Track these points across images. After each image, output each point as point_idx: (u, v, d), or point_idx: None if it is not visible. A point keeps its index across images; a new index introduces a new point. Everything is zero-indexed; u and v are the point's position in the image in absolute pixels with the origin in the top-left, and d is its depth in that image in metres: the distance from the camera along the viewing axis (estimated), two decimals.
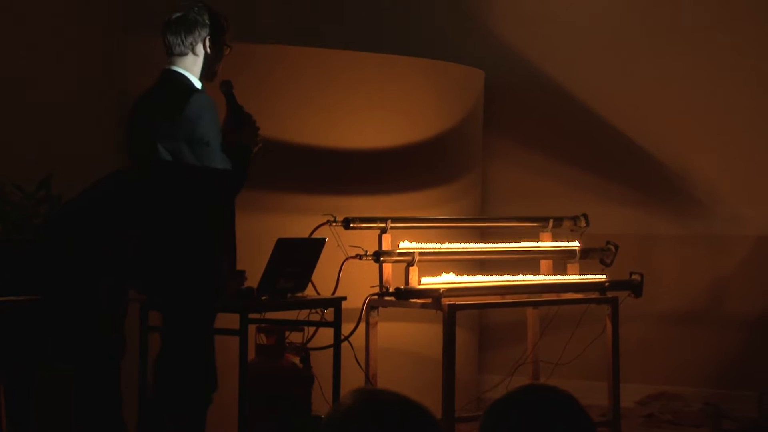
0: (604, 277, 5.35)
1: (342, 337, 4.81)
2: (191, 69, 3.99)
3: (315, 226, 4.93)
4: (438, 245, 5.08)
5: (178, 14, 3.98)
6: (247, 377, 4.45)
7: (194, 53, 3.98)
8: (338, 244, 4.82)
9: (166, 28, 3.99)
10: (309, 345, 4.94)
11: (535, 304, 5.42)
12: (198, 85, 3.99)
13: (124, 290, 4.62)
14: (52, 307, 4.43)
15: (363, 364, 4.97)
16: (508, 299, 5.21)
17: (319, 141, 5.81)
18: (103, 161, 5.17)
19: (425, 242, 5.03)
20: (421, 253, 4.90)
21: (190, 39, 3.96)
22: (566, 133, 6.91)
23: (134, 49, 5.54)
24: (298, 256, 4.62)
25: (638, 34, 6.76)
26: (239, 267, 4.64)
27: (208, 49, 3.97)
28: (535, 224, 5.55)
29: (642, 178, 6.72)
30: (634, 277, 5.36)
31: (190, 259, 3.94)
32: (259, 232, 5.28)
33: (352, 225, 4.87)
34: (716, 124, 6.58)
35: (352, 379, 4.88)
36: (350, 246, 4.86)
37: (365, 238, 4.96)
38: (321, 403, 4.84)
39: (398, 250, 4.90)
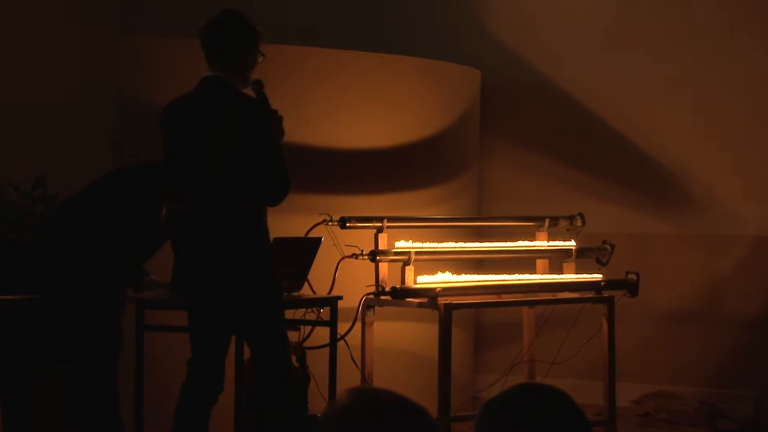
0: (600, 276, 5.36)
1: (338, 337, 4.81)
2: (229, 75, 4.08)
3: (311, 225, 4.93)
4: (434, 244, 5.09)
5: (214, 22, 4.10)
6: (243, 376, 4.45)
7: (230, 60, 4.07)
8: (334, 243, 4.83)
9: (204, 36, 4.10)
10: (305, 344, 4.94)
11: (531, 304, 5.42)
12: (238, 90, 4.09)
13: (122, 289, 4.63)
14: (50, 306, 4.44)
15: (359, 364, 4.97)
16: (504, 298, 5.21)
17: (316, 140, 5.81)
18: (99, 161, 5.17)
19: (421, 241, 5.03)
20: (417, 253, 4.90)
21: (226, 46, 4.06)
22: (563, 133, 6.91)
23: (132, 49, 5.54)
24: (295, 256, 4.63)
25: (635, 34, 6.76)
26: None
27: (244, 57, 4.08)
28: (531, 223, 5.55)
29: (638, 177, 6.72)
30: (630, 276, 5.36)
31: (262, 263, 4.03)
32: None
33: (348, 224, 4.88)
34: (713, 124, 6.58)
35: (348, 378, 4.88)
36: (346, 245, 4.86)
37: (361, 238, 4.96)
38: (317, 403, 4.84)
39: (394, 250, 4.90)
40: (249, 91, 4.15)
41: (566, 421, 1.91)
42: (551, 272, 5.40)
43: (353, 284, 4.99)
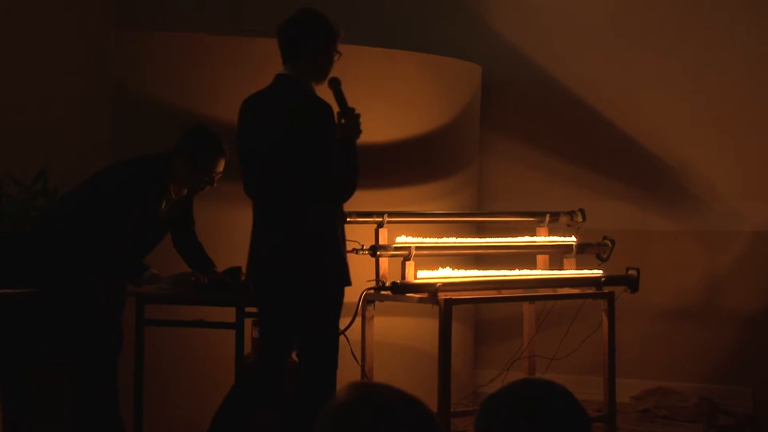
0: (601, 272, 5.36)
1: (338, 331, 4.81)
2: (305, 73, 4.11)
3: None
4: (434, 240, 5.08)
5: (294, 20, 4.14)
6: (243, 371, 4.45)
7: (307, 59, 4.10)
8: None
9: (283, 33, 4.13)
10: None
11: (532, 299, 5.42)
12: (310, 88, 4.11)
13: (122, 284, 4.63)
14: (49, 300, 4.43)
15: (359, 358, 4.97)
16: (505, 294, 5.21)
17: None
18: (99, 155, 5.17)
19: (422, 237, 5.03)
20: (417, 248, 4.90)
21: (304, 44, 4.10)
22: (563, 129, 6.91)
23: (131, 43, 5.53)
24: None
25: (636, 30, 6.76)
26: (237, 262, 4.65)
27: (321, 56, 4.11)
28: (531, 219, 5.55)
29: (639, 173, 6.72)
30: (630, 272, 5.36)
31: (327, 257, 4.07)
32: None
33: (348, 219, 4.87)
34: (712, 120, 6.58)
35: (349, 373, 4.87)
36: (347, 240, 4.85)
37: (362, 233, 4.95)
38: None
39: (395, 245, 4.90)
40: (324, 89, 4.15)
41: (566, 417, 1.91)
42: (551, 268, 5.40)
43: (353, 279, 4.98)
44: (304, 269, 4.03)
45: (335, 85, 4.15)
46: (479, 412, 1.94)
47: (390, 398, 1.79)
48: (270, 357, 4.14)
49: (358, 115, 4.11)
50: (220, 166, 4.60)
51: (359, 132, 4.12)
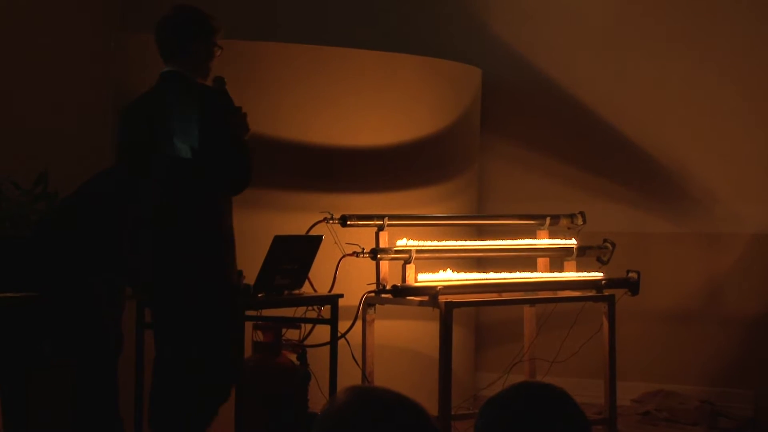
0: (601, 274, 5.36)
1: (339, 335, 4.81)
2: (188, 69, 4.07)
3: (312, 223, 4.92)
4: (435, 243, 5.08)
5: (169, 17, 4.10)
6: (244, 374, 4.45)
7: (187, 55, 4.06)
8: (335, 241, 4.82)
9: (159, 31, 4.10)
10: (306, 342, 4.94)
11: (532, 302, 5.42)
12: (199, 83, 4.06)
13: (121, 287, 4.63)
14: (50, 303, 4.44)
15: (360, 362, 4.97)
16: (505, 297, 5.21)
17: (317, 138, 5.81)
18: (100, 158, 5.17)
19: (422, 240, 5.03)
20: (418, 251, 4.90)
21: (181, 41, 4.05)
22: (563, 131, 6.91)
23: (131, 46, 5.53)
24: (295, 254, 4.62)
25: (636, 33, 6.76)
26: (238, 265, 4.64)
27: (200, 51, 4.07)
28: (532, 222, 5.55)
29: (639, 176, 6.72)
30: (630, 275, 5.36)
31: (202, 259, 3.98)
32: (256, 229, 5.27)
33: (349, 222, 4.87)
34: (713, 123, 6.58)
35: (349, 376, 4.88)
36: (347, 243, 4.86)
37: (362, 236, 4.96)
38: (318, 401, 4.84)
39: (395, 248, 4.90)
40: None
41: (566, 420, 1.91)
42: (552, 271, 5.40)
43: (354, 282, 4.99)
44: (184, 269, 3.98)
45: (220, 84, 4.12)
46: (479, 416, 1.94)
47: (387, 401, 1.79)
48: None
49: (245, 114, 4.10)
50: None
51: (247, 130, 4.11)
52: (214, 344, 4.06)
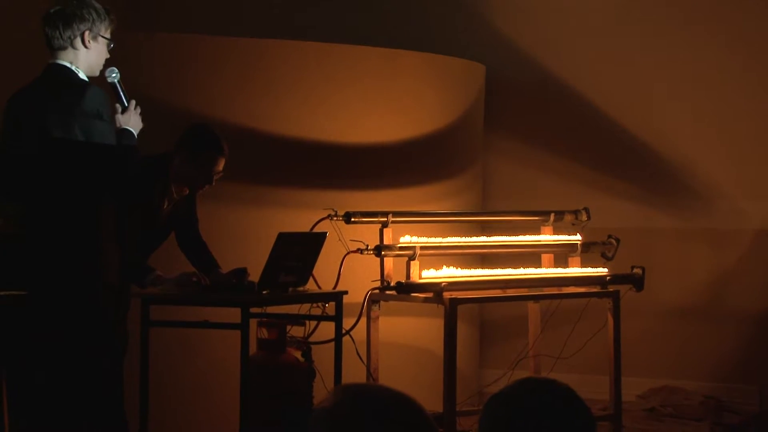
0: (606, 270, 5.35)
1: (343, 332, 4.81)
2: (75, 62, 3.96)
3: (316, 220, 4.92)
4: (439, 239, 5.08)
5: (56, 8, 3.97)
6: (249, 372, 4.45)
7: (73, 47, 3.96)
8: (339, 238, 4.82)
9: (45, 22, 3.97)
10: (310, 339, 4.94)
11: (537, 298, 5.42)
12: (83, 77, 3.96)
13: (126, 285, 4.61)
14: (50, 302, 4.41)
15: (364, 359, 4.97)
16: (510, 293, 5.20)
17: (320, 135, 5.81)
18: None
19: (426, 236, 5.02)
20: (422, 248, 4.89)
21: (68, 33, 3.94)
22: (567, 127, 6.90)
23: (131, 45, 5.53)
24: (299, 251, 4.62)
25: (640, 30, 6.75)
26: (242, 262, 4.64)
27: (87, 44, 3.96)
28: (536, 218, 5.54)
29: (643, 172, 6.71)
30: (635, 270, 5.36)
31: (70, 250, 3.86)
32: (260, 226, 5.28)
33: (353, 219, 4.87)
34: (717, 119, 6.57)
35: (354, 373, 4.88)
36: (351, 240, 4.86)
37: (366, 233, 4.96)
38: (323, 398, 4.83)
39: (399, 245, 4.90)
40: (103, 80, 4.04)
41: (570, 416, 1.90)
42: (556, 267, 5.40)
43: (358, 279, 4.99)
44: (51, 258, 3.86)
45: (113, 76, 4.04)
46: (483, 412, 1.93)
47: (381, 397, 1.79)
48: None
49: (137, 108, 4.02)
50: (220, 165, 4.59)
51: (138, 125, 4.02)
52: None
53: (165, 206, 4.64)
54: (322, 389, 4.89)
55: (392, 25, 7.16)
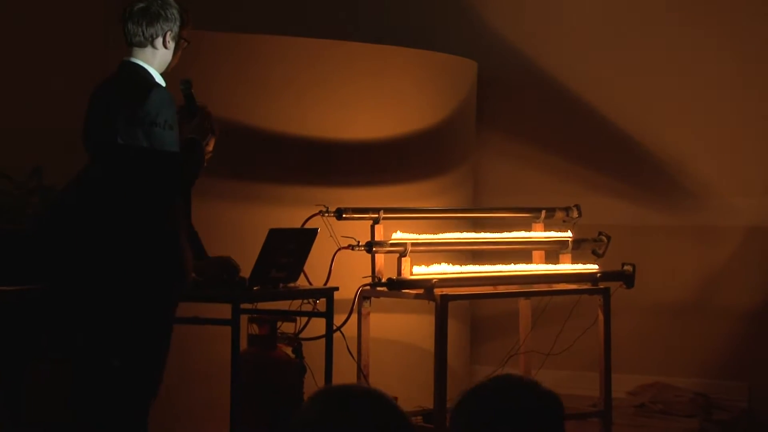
0: (596, 267, 5.37)
1: (334, 328, 4.81)
2: (150, 61, 3.96)
3: (307, 216, 4.93)
4: (430, 236, 5.09)
5: (141, 5, 3.96)
6: (239, 368, 4.45)
7: (153, 46, 3.95)
8: (331, 234, 4.82)
9: (127, 18, 3.96)
10: (301, 335, 4.94)
11: (528, 295, 5.43)
12: (157, 78, 3.96)
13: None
14: (52, 298, 4.42)
15: (355, 355, 4.98)
16: (501, 290, 5.21)
17: (311, 132, 5.81)
18: None
19: (417, 233, 5.03)
20: (413, 244, 4.90)
21: (150, 31, 3.94)
22: (559, 124, 6.91)
23: (122, 41, 5.52)
24: (291, 247, 4.62)
25: (631, 26, 6.76)
26: (233, 258, 4.63)
27: (167, 44, 3.96)
28: (527, 215, 5.55)
29: (634, 169, 6.73)
30: (626, 267, 5.37)
31: (147, 253, 3.85)
32: (251, 222, 5.28)
33: (344, 215, 4.87)
34: (708, 116, 6.59)
35: (344, 369, 4.88)
36: (342, 236, 4.86)
37: (358, 229, 4.96)
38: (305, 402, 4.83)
39: (390, 241, 4.90)
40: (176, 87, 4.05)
41: (533, 409, 1.99)
42: (547, 263, 5.41)
43: (349, 275, 4.99)
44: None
45: (186, 87, 4.05)
46: (453, 407, 2.00)
47: (348, 393, 1.82)
48: None
49: (207, 116, 4.04)
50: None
51: (204, 133, 4.05)
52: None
53: None
54: (312, 385, 4.89)
55: (385, 22, 7.16)
